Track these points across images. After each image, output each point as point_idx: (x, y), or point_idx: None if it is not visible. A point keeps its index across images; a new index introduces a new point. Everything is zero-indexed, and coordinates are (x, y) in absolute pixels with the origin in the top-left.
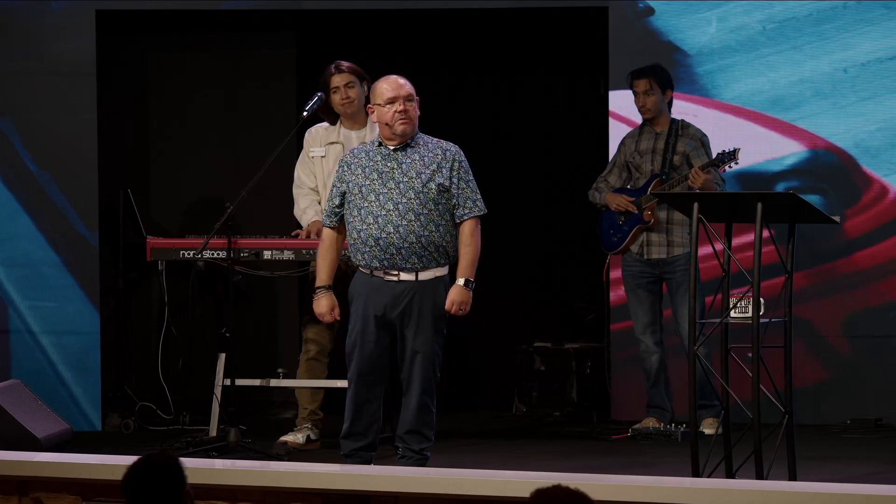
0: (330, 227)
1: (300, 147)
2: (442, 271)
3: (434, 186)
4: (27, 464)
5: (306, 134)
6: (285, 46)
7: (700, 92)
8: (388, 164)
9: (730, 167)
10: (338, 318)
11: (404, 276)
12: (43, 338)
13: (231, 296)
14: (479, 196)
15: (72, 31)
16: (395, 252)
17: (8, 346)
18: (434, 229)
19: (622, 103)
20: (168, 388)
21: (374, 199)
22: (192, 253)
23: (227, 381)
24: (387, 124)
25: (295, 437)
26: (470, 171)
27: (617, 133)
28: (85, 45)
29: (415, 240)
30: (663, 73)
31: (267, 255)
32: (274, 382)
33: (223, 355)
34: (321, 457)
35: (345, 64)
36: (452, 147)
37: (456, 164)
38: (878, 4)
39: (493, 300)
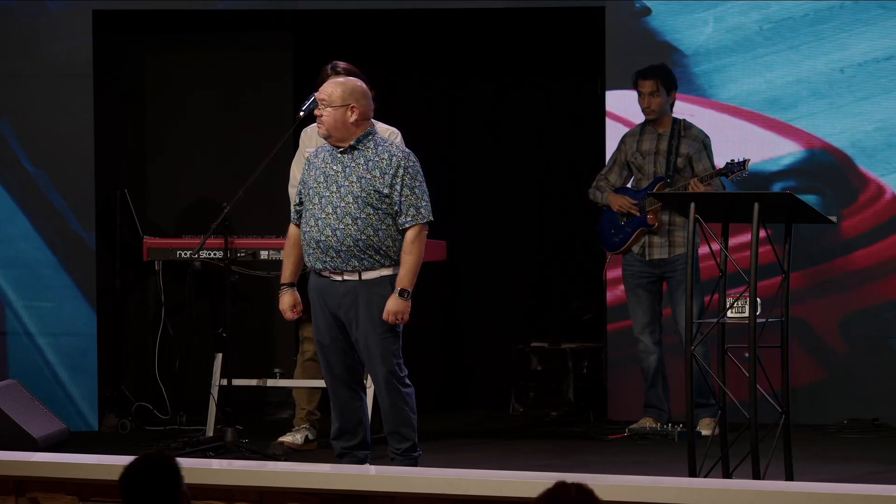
0: (295, 225)
1: (297, 147)
2: (389, 271)
3: (372, 191)
4: (24, 464)
5: (302, 133)
6: (282, 46)
7: (697, 92)
8: (334, 167)
9: (738, 177)
10: (300, 314)
11: (348, 277)
12: (40, 338)
13: (228, 296)
14: (424, 203)
15: (69, 32)
16: (334, 255)
17: (5, 346)
18: (372, 234)
19: (619, 103)
20: (165, 388)
21: (317, 201)
22: (188, 253)
23: (224, 382)
24: None
25: (293, 438)
26: (418, 177)
27: (614, 133)
28: (82, 45)
29: (352, 243)
30: (669, 74)
31: (264, 255)
32: (271, 382)
33: (220, 355)
34: (318, 457)
35: (340, 66)
36: (399, 152)
37: (400, 171)
38: (874, 4)
39: (490, 299)
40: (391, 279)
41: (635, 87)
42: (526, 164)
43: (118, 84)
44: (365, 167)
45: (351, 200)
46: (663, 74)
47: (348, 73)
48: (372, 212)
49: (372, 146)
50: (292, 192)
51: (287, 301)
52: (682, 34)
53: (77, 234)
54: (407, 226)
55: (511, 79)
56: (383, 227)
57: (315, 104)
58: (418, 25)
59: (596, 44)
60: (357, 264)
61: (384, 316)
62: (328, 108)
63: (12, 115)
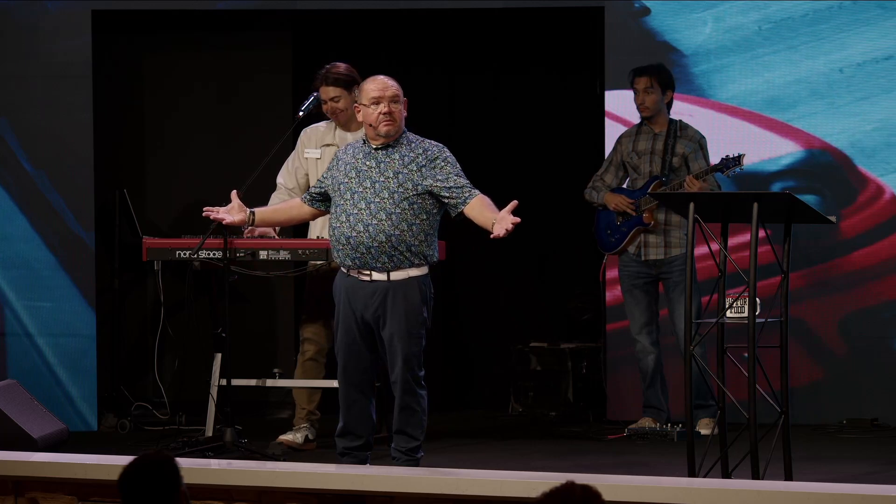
0: (302, 201)
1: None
2: (417, 271)
3: (410, 186)
4: (23, 464)
5: (302, 133)
6: (281, 46)
7: (696, 92)
8: (367, 163)
9: (734, 172)
10: (223, 218)
11: (376, 276)
12: (39, 338)
13: (227, 296)
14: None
15: (68, 32)
16: (364, 251)
17: (4, 346)
18: (406, 229)
19: (618, 103)
20: (164, 388)
21: (349, 197)
22: (188, 253)
23: (223, 382)
24: (371, 125)
25: (294, 437)
26: (457, 164)
27: (613, 133)
28: (81, 45)
29: (384, 239)
30: (665, 72)
31: (263, 255)
32: (270, 382)
33: (219, 355)
34: (317, 457)
35: (334, 72)
36: (434, 147)
37: (440, 163)
38: (873, 4)
39: (489, 300)
40: (419, 280)
41: (631, 85)
42: (525, 164)
43: (117, 84)
44: (401, 162)
45: (387, 196)
46: (658, 72)
47: (340, 84)
48: (407, 207)
49: (405, 142)
50: (273, 196)
51: (232, 206)
52: (681, 34)
53: (76, 234)
54: (472, 198)
55: (510, 79)
56: (417, 221)
57: (314, 103)
58: (417, 25)
59: (595, 44)
60: (387, 261)
61: (498, 232)
62: (398, 105)
63: (11, 115)
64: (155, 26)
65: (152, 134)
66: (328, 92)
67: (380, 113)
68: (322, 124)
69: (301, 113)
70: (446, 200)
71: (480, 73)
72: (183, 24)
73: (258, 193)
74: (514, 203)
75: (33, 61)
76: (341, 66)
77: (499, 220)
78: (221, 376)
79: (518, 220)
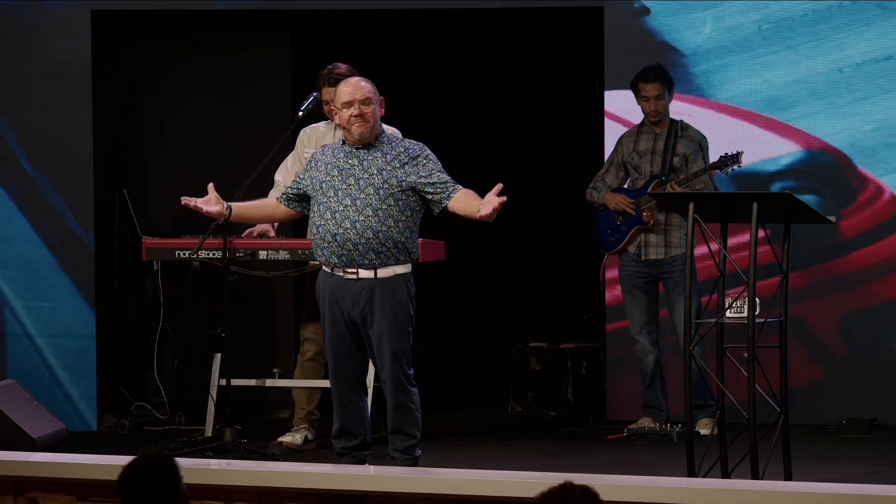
0: (277, 200)
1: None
2: (403, 268)
3: (395, 182)
4: (23, 464)
5: (301, 133)
6: (281, 46)
7: (696, 92)
8: (350, 161)
9: (733, 170)
10: (201, 207)
11: (363, 274)
12: (39, 338)
13: (227, 296)
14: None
15: (67, 32)
16: (351, 248)
17: (4, 346)
18: (392, 225)
19: (618, 103)
20: (163, 388)
21: (332, 195)
22: (187, 253)
23: (223, 382)
24: (344, 127)
25: (293, 438)
26: (438, 162)
27: (612, 133)
28: (80, 45)
29: (371, 235)
30: (667, 74)
31: (262, 255)
32: (269, 382)
33: (219, 355)
34: (317, 457)
35: (336, 72)
36: (415, 146)
37: (422, 160)
38: (873, 4)
39: (488, 299)
40: (404, 277)
41: (634, 89)
42: (525, 165)
43: (117, 84)
44: (384, 159)
45: (372, 192)
46: (666, 77)
47: (350, 75)
48: (393, 203)
49: (385, 140)
50: (271, 193)
51: (209, 197)
52: (681, 34)
53: (76, 234)
54: (455, 192)
55: (510, 79)
56: (402, 218)
57: (314, 103)
58: (417, 25)
59: (595, 44)
60: (374, 257)
61: (484, 213)
62: (372, 106)
63: (11, 115)
64: (155, 26)
65: (152, 134)
66: (330, 92)
67: (351, 115)
68: (322, 124)
69: (301, 113)
70: (430, 196)
71: (480, 73)
72: (183, 24)
73: (258, 193)
74: (499, 186)
75: (33, 61)
76: (343, 67)
77: (485, 203)
78: (221, 376)
79: (504, 199)
